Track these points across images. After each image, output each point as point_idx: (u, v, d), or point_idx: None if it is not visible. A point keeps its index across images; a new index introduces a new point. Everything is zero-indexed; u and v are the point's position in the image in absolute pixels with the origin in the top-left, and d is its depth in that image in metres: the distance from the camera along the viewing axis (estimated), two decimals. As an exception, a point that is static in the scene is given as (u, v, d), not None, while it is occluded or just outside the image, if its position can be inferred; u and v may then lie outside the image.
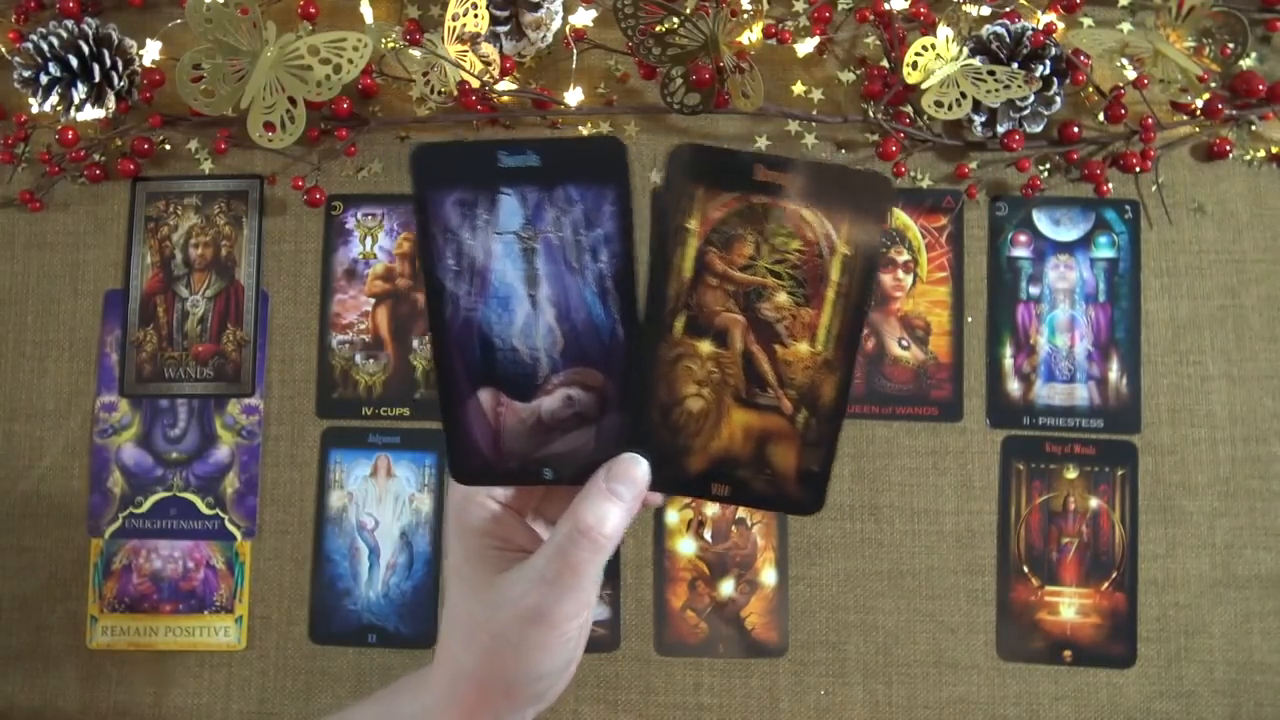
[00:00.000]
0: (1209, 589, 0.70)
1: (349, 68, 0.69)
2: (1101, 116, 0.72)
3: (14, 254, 0.76)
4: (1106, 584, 0.71)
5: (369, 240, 0.75)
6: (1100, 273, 0.73)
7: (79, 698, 0.72)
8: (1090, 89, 0.73)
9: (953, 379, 0.72)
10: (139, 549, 0.73)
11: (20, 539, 0.74)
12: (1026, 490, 0.72)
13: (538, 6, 0.70)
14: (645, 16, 0.68)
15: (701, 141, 0.55)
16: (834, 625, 0.71)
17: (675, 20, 0.67)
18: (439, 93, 0.71)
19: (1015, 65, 0.69)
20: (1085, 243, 0.73)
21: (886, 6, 0.70)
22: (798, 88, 0.73)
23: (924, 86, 0.69)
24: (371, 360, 0.74)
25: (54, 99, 0.71)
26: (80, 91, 0.71)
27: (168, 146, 0.76)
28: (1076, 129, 0.71)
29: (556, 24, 0.71)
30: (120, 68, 0.72)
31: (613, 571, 0.72)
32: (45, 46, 0.71)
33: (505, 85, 0.72)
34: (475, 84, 0.70)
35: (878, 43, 0.73)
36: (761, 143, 0.73)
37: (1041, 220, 0.74)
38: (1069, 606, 0.70)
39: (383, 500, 0.73)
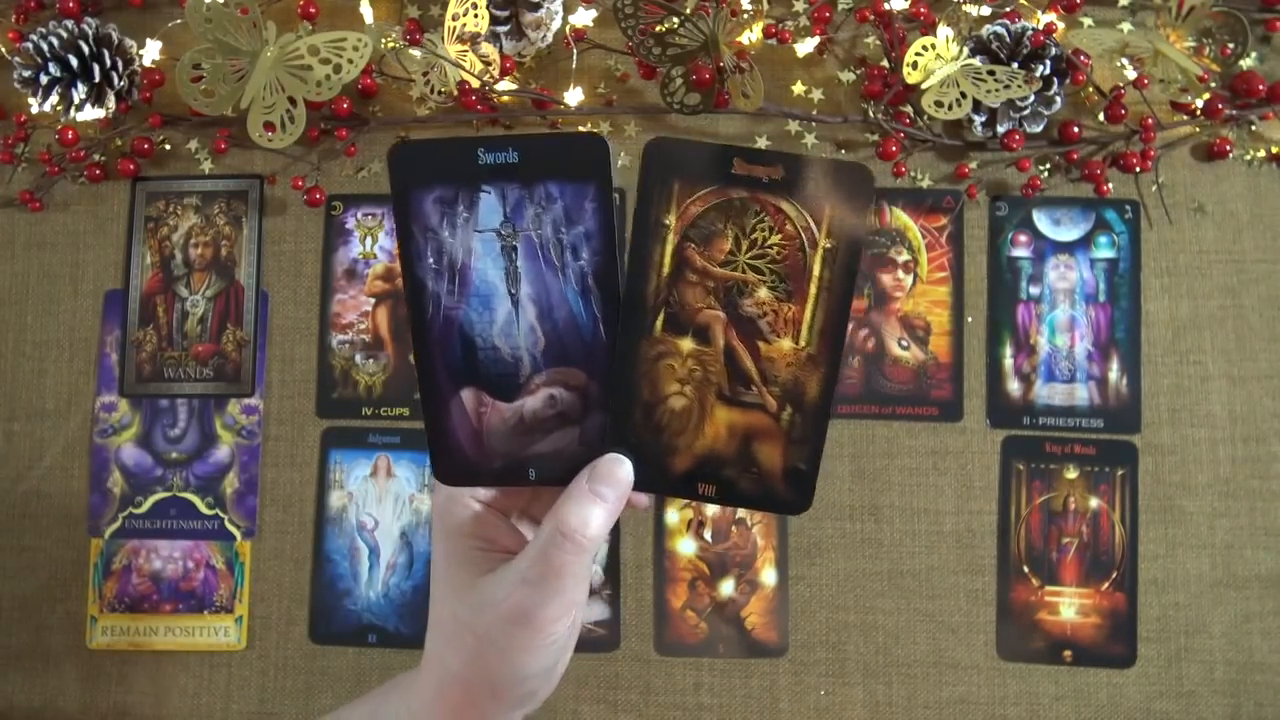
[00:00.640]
0: (1209, 589, 0.70)
1: (349, 68, 0.69)
2: (1101, 116, 0.72)
3: (14, 254, 0.76)
4: (1106, 584, 0.71)
5: (369, 240, 0.75)
6: (1100, 273, 0.73)
7: (79, 698, 0.72)
8: (1090, 89, 0.73)
9: (953, 379, 0.72)
10: (139, 549, 0.73)
11: (20, 539, 0.74)
12: (1026, 490, 0.72)
13: (538, 6, 0.70)
14: (645, 16, 0.68)
15: (676, 135, 0.53)
16: (834, 625, 0.71)
17: (675, 20, 0.67)
18: (439, 93, 0.71)
19: (1015, 65, 0.69)
20: (1085, 243, 0.73)
21: (886, 6, 0.70)
22: (798, 88, 0.73)
23: (924, 86, 0.69)
24: (371, 360, 0.74)
25: (54, 99, 0.71)
26: (80, 91, 0.71)
27: (168, 146, 0.76)
28: (1076, 129, 0.71)
29: (556, 24, 0.71)
30: (120, 68, 0.72)
31: (613, 571, 0.72)
32: (45, 46, 0.71)
33: (505, 85, 0.72)
34: (475, 84, 0.70)
35: (878, 43, 0.73)
36: (762, 143, 0.73)
37: (1041, 220, 0.74)
38: (1069, 606, 0.70)
39: (383, 500, 0.73)
